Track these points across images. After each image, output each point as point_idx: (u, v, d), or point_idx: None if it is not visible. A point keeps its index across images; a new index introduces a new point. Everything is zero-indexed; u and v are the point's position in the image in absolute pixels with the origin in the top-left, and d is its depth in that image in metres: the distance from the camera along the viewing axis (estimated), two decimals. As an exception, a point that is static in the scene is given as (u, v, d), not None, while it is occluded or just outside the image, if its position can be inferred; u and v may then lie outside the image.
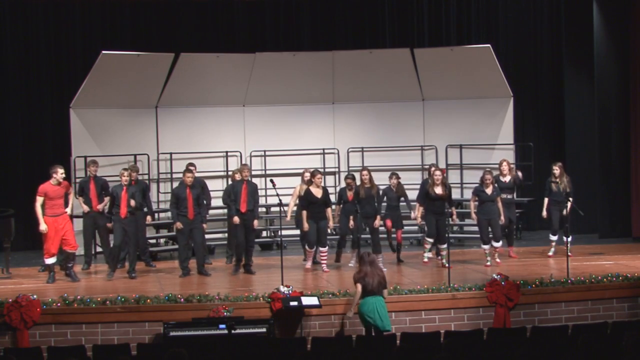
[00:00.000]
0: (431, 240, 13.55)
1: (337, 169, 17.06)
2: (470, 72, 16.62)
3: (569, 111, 17.46)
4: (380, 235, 13.77)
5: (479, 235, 13.98)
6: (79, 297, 11.14)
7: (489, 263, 13.35)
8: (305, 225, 13.24)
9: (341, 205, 13.71)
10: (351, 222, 13.41)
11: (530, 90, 18.03)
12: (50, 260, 12.74)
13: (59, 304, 10.94)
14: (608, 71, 16.49)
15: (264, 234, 16.90)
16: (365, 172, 13.69)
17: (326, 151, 17.18)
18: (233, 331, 9.12)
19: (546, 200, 14.22)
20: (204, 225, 13.38)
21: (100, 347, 9.88)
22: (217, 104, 16.96)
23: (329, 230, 13.58)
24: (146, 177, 16.57)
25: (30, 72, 17.01)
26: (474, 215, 13.55)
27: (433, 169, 13.91)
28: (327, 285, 12.00)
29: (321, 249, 13.47)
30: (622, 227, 16.32)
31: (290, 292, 11.10)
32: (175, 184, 14.80)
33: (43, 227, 12.61)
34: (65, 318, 10.86)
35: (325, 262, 13.47)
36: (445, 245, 13.36)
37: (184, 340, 10.14)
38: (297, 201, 13.77)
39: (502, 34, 17.98)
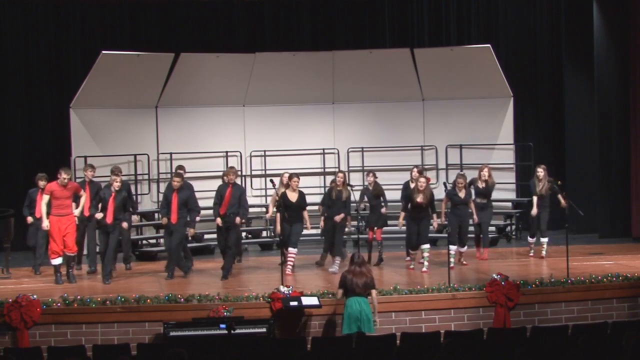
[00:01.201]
0: (415, 252, 13.48)
1: (337, 169, 17.03)
2: (470, 72, 16.63)
3: (569, 111, 17.47)
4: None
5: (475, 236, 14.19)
6: (79, 297, 11.13)
7: (452, 264, 13.05)
8: (278, 228, 13.19)
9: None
10: (321, 223, 13.46)
11: (530, 90, 18.03)
12: (56, 261, 12.65)
13: (59, 304, 10.95)
14: (608, 71, 16.50)
15: (264, 234, 16.90)
16: (340, 175, 13.59)
17: (326, 151, 17.18)
18: (233, 331, 9.12)
19: (535, 198, 14.26)
20: (191, 230, 13.20)
21: (100, 347, 9.88)
22: (217, 104, 16.96)
23: (305, 231, 13.55)
24: (146, 177, 16.59)
25: (30, 72, 17.01)
26: (443, 218, 13.51)
27: (415, 171, 13.89)
28: (327, 285, 12.00)
29: (290, 249, 13.31)
30: (622, 227, 16.33)
31: (290, 292, 11.10)
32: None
33: (45, 224, 12.62)
34: (65, 318, 10.86)
35: (291, 263, 13.31)
36: (427, 246, 13.31)
37: (184, 340, 10.14)
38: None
39: (502, 34, 17.98)
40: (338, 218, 13.34)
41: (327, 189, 14.05)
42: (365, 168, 16.93)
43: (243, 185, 16.89)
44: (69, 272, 12.83)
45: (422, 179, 13.28)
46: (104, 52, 15.62)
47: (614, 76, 16.48)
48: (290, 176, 13.41)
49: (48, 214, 12.65)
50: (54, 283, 12.63)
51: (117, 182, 12.88)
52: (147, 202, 16.55)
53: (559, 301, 11.54)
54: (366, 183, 14.21)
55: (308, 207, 13.56)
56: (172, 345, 9.23)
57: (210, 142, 16.79)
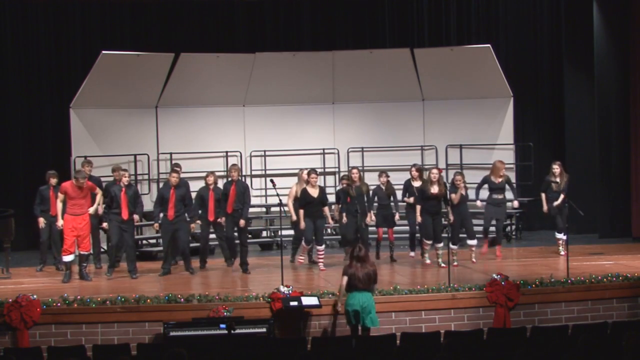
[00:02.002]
0: (430, 242, 13.62)
1: (337, 169, 17.06)
2: (470, 72, 16.63)
3: (569, 111, 17.46)
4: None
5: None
6: (79, 297, 11.14)
7: (455, 263, 13.35)
8: (302, 224, 13.31)
9: (339, 206, 13.75)
10: (344, 219, 13.52)
11: (530, 90, 18.02)
12: (67, 258, 12.71)
13: (59, 304, 10.94)
14: (608, 71, 16.49)
15: (264, 233, 16.91)
16: (355, 171, 13.78)
17: (326, 151, 17.18)
18: (233, 331, 9.12)
19: (544, 195, 14.32)
20: (192, 225, 13.40)
21: (100, 347, 9.88)
22: (217, 104, 16.97)
23: (328, 230, 13.65)
24: (146, 177, 16.59)
25: (30, 72, 17.01)
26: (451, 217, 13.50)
27: (414, 170, 13.93)
28: (327, 285, 12.00)
29: (318, 247, 13.54)
30: (622, 227, 16.31)
31: (290, 292, 11.10)
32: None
33: (59, 222, 12.71)
34: (65, 318, 10.86)
35: (322, 260, 13.53)
36: (441, 245, 13.46)
37: (184, 340, 10.14)
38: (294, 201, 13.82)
39: (502, 34, 17.98)
40: (369, 219, 13.57)
41: (341, 187, 14.04)
42: (365, 168, 16.94)
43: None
44: (82, 271, 12.85)
45: (435, 170, 13.46)
46: (104, 52, 15.62)
47: (614, 76, 16.47)
48: (310, 172, 13.49)
49: (63, 212, 12.68)
50: (61, 282, 12.66)
51: (125, 177, 13.00)
52: (147, 202, 16.52)
53: (559, 301, 11.52)
54: (378, 183, 14.22)
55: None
56: (172, 345, 9.24)
57: (210, 142, 16.80)
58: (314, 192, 13.36)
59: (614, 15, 16.43)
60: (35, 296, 10.89)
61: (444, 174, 16.73)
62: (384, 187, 14.10)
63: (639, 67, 16.13)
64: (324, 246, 13.60)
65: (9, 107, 16.88)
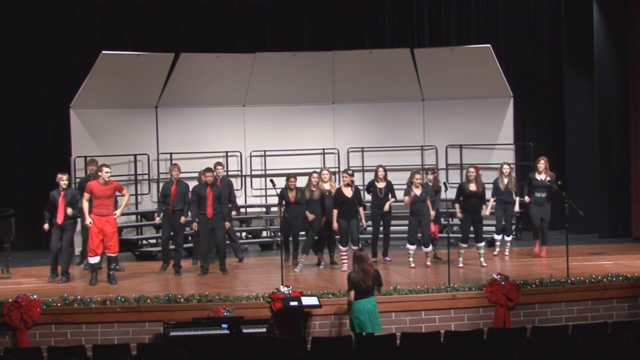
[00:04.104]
0: (465, 245, 13.53)
1: (337, 169, 17.05)
2: (470, 72, 16.63)
3: (569, 111, 17.47)
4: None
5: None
6: (79, 297, 11.13)
7: (412, 265, 13.34)
8: (335, 225, 13.41)
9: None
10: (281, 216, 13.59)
11: (530, 90, 18.03)
12: (93, 260, 12.59)
13: (59, 304, 10.94)
14: (608, 71, 16.50)
15: (264, 233, 16.91)
16: (315, 175, 13.75)
17: (326, 151, 17.18)
18: (236, 331, 9.12)
19: (492, 199, 14.35)
20: (227, 224, 13.44)
21: (100, 347, 9.88)
22: (217, 104, 16.97)
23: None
24: (146, 177, 16.60)
25: (30, 72, 17.01)
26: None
27: (381, 170, 13.95)
28: (327, 285, 12.00)
29: (354, 247, 13.46)
30: (622, 227, 16.32)
31: (290, 292, 11.10)
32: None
33: (88, 220, 12.48)
34: (65, 318, 10.86)
35: (345, 261, 13.52)
36: (483, 244, 13.49)
37: (184, 340, 10.13)
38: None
39: (502, 34, 17.99)
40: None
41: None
42: (365, 168, 16.95)
43: (243, 185, 16.93)
44: (110, 273, 12.69)
45: (472, 169, 13.50)
46: (104, 52, 15.62)
47: (614, 76, 16.48)
48: (343, 171, 13.76)
49: (90, 212, 12.56)
50: (88, 284, 12.55)
51: (63, 180, 12.77)
52: (147, 202, 16.57)
53: (559, 301, 11.53)
54: (426, 180, 14.12)
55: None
56: (172, 345, 9.24)
57: (210, 142, 16.80)
58: (348, 192, 13.44)
59: (614, 15, 16.44)
60: (35, 296, 10.89)
61: (443, 174, 16.84)
62: (431, 184, 13.93)
63: (639, 67, 16.14)
64: (360, 246, 13.51)
65: (9, 107, 16.89)
